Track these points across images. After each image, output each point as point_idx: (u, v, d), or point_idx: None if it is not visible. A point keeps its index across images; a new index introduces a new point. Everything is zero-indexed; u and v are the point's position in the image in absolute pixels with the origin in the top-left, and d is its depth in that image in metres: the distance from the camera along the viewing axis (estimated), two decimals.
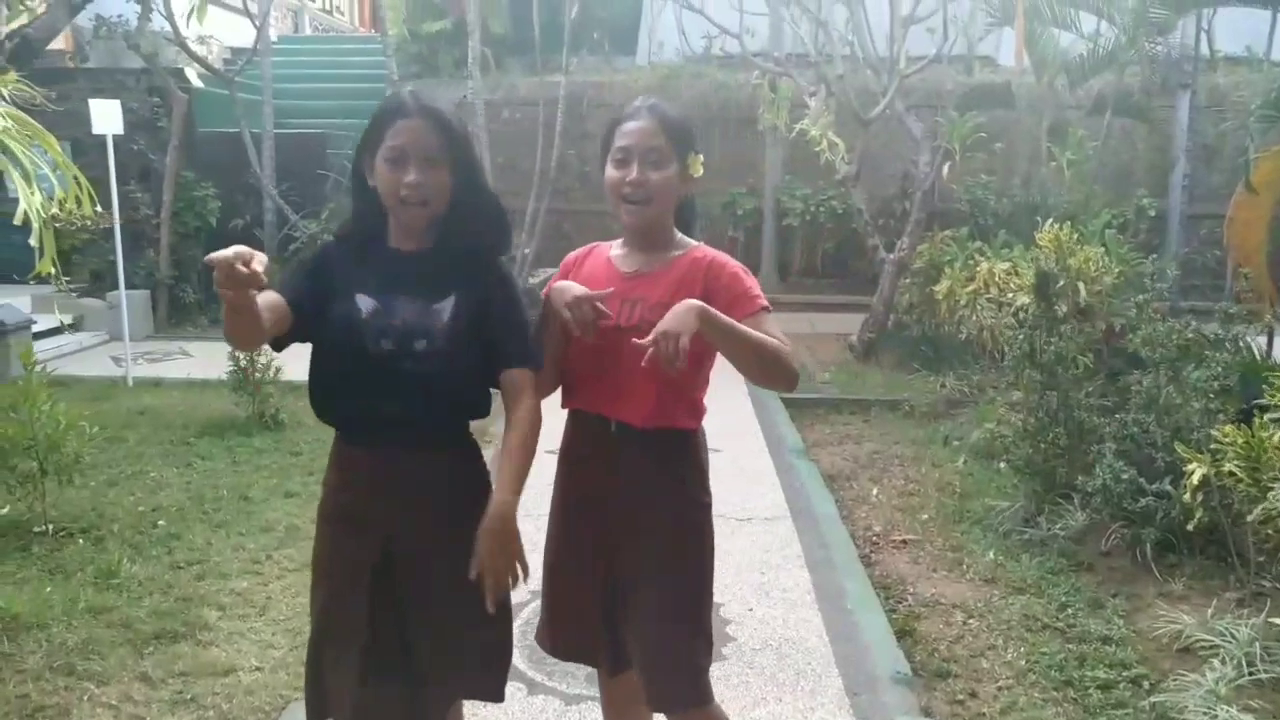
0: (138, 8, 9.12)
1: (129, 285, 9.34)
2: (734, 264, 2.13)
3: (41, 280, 8.29)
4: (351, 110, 10.88)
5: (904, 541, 4.57)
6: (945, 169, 8.05)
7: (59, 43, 10.21)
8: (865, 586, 3.89)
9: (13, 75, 3.12)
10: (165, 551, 4.12)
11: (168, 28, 9.39)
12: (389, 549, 1.98)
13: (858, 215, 8.61)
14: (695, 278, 2.08)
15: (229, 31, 11.83)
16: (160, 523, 4.42)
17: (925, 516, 4.87)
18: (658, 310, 2.02)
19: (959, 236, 8.42)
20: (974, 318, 7.43)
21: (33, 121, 3.19)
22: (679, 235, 2.18)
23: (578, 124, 10.91)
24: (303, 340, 2.01)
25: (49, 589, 3.70)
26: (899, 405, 6.90)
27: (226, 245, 1.61)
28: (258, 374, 5.99)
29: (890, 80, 8.27)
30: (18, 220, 2.85)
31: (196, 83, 10.46)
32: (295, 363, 6.44)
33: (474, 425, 2.08)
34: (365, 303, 1.96)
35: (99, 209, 3.31)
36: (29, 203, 2.94)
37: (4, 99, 3.02)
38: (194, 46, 10.04)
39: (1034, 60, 8.94)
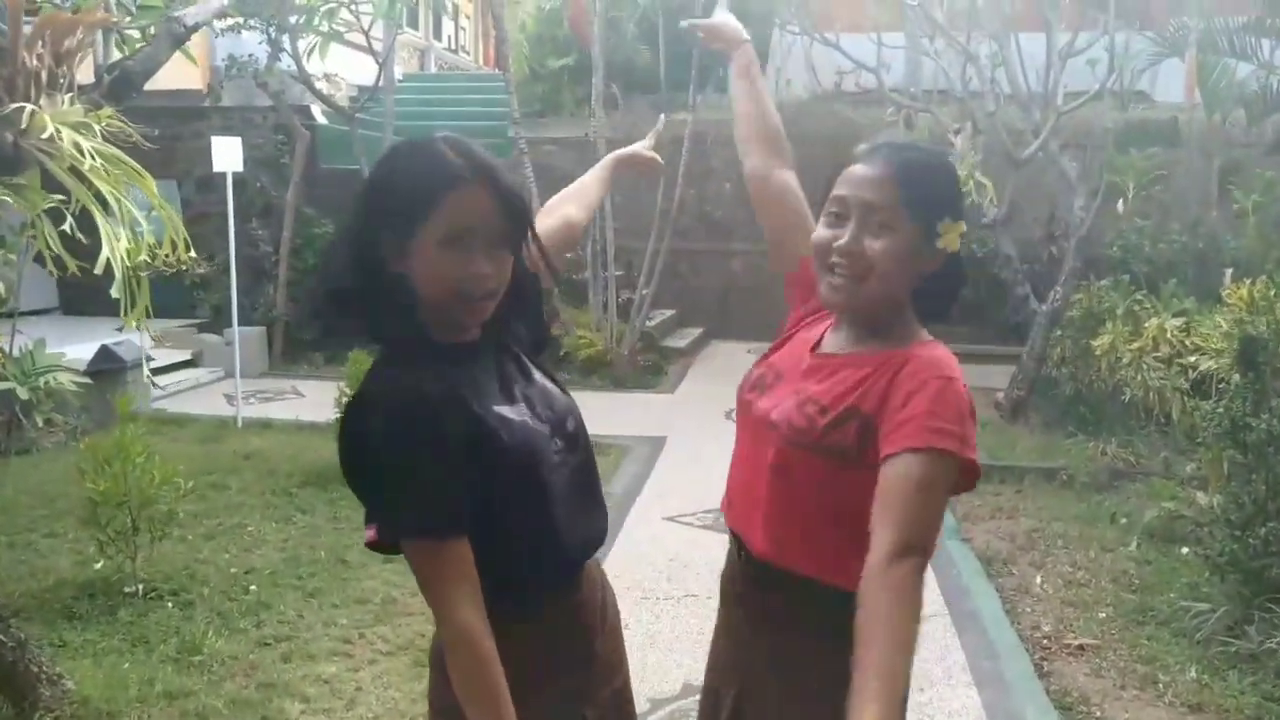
0: (268, 47, 9.16)
1: (247, 321, 9.36)
2: (937, 377, 1.41)
3: (168, 314, 8.32)
4: None
5: (1080, 647, 3.92)
6: (1120, 205, 7.28)
7: (196, 81, 10.39)
8: (1049, 714, 3.28)
9: (108, 111, 2.85)
10: (254, 624, 3.80)
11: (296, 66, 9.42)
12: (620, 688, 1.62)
13: (1005, 261, 7.93)
14: (878, 382, 1.46)
15: (357, 70, 11.90)
16: (252, 588, 4.12)
17: (1102, 615, 4.21)
18: (808, 409, 1.48)
19: (1121, 285, 7.65)
20: (1139, 378, 6.67)
21: (129, 160, 2.93)
22: (915, 327, 1.56)
23: (700, 162, 10.53)
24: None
25: (127, 665, 3.41)
26: (1055, 474, 6.19)
27: None
28: None
29: (1044, 117, 7.61)
30: (98, 270, 2.58)
31: (321, 120, 10.49)
32: None
33: None
34: (510, 411, 1.45)
35: (193, 254, 3.03)
36: (112, 249, 2.65)
37: (97, 136, 2.75)
38: (321, 85, 10.07)
39: (1205, 94, 8.13)
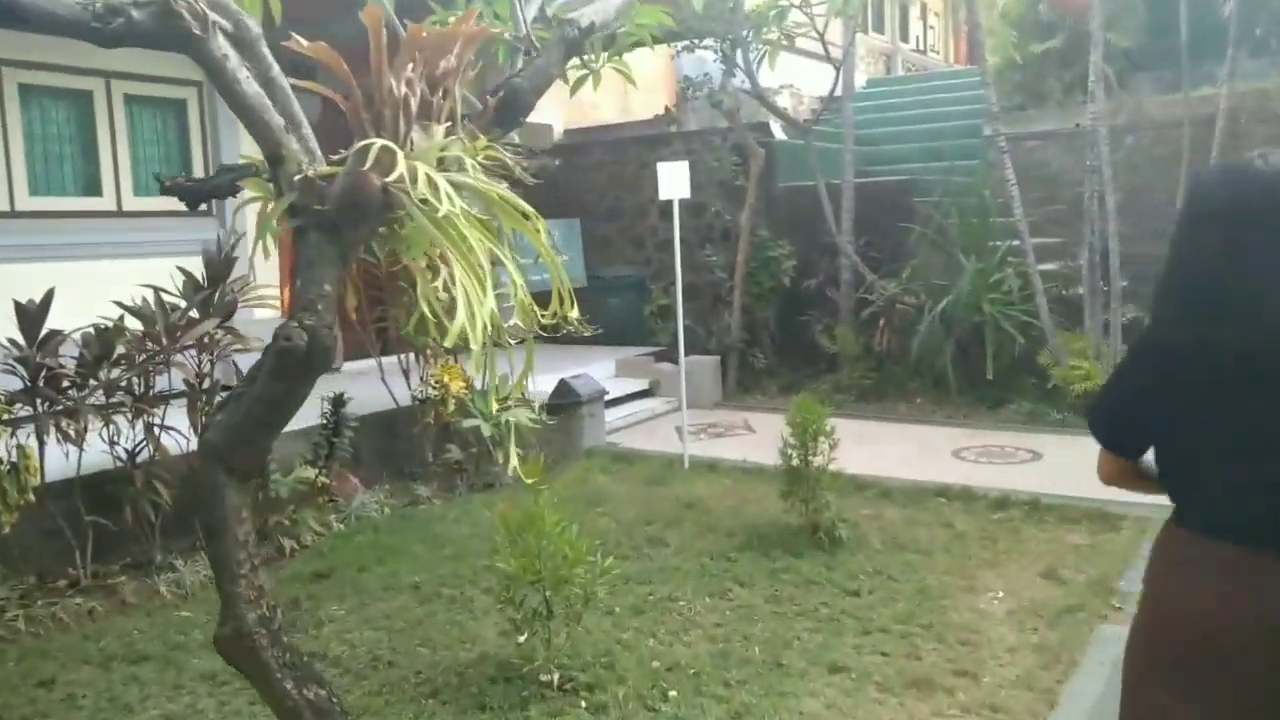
0: (722, 64, 8.81)
1: (702, 350, 9.08)
2: None
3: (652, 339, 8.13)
4: (936, 153, 9.70)
5: None
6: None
7: (660, 106, 10.38)
8: None
9: (483, 142, 2.33)
10: None
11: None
12: None
13: None
14: None
15: (818, 81, 11.30)
16: (671, 694, 3.47)
17: None
18: None
19: None
20: None
21: (512, 198, 2.39)
22: None
23: (1231, 143, 8.43)
24: None
25: None
26: None
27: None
28: (812, 476, 4.93)
29: None
30: (448, 342, 2.03)
31: (780, 136, 9.99)
32: (853, 455, 4.82)
33: None
34: None
35: (576, 314, 2.42)
36: (471, 316, 2.08)
37: (469, 172, 2.22)
38: (780, 99, 9.57)
39: None
